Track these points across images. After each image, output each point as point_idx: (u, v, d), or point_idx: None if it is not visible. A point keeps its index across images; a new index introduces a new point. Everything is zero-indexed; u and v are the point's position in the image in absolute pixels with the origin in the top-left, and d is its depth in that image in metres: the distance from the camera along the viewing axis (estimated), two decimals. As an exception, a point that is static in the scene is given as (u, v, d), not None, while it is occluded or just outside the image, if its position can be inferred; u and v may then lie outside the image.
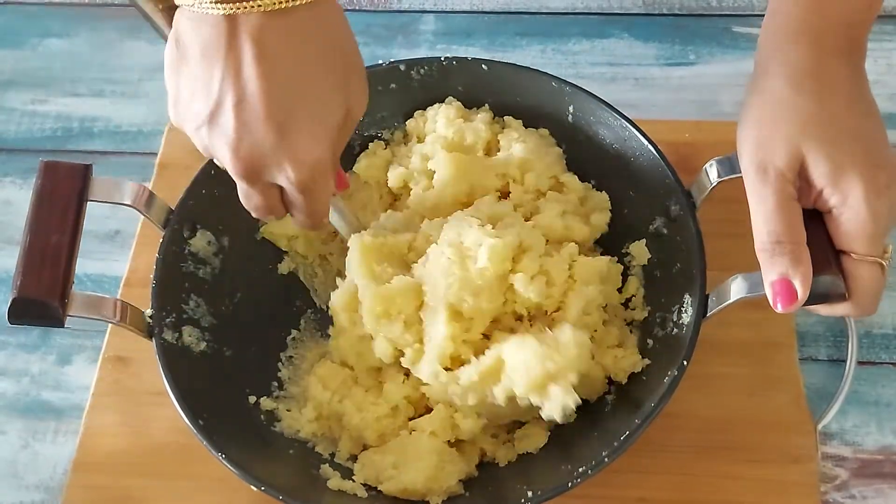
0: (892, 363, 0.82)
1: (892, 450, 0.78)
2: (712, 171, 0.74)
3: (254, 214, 0.69)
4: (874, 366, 0.82)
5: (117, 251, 0.93)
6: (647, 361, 0.75)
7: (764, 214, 0.65)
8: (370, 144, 0.88)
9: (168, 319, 0.76)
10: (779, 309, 0.65)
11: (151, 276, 0.76)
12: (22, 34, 1.09)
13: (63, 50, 1.08)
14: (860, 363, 0.81)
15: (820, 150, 0.65)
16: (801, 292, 0.64)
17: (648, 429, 0.68)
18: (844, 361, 0.80)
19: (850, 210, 0.64)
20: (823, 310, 0.67)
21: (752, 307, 0.80)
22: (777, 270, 0.64)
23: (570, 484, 0.68)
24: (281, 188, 0.67)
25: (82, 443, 0.81)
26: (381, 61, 0.86)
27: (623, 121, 0.80)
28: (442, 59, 0.85)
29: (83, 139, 1.01)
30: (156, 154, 0.96)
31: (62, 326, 0.71)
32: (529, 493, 0.69)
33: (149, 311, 0.75)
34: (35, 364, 0.88)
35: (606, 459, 0.68)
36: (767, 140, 0.66)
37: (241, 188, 0.67)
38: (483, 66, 0.85)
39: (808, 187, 0.66)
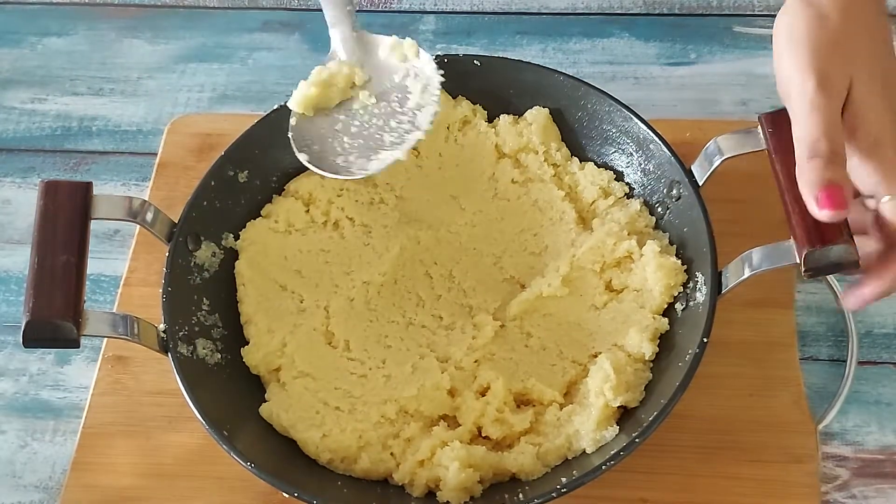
0: (892, 363, 0.82)
1: (893, 449, 0.78)
2: (714, 149, 0.74)
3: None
4: (875, 365, 0.82)
5: (116, 250, 0.92)
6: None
7: (826, 124, 0.63)
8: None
9: (181, 333, 0.75)
10: (821, 213, 0.63)
11: (160, 290, 0.76)
12: (21, 33, 1.09)
13: (62, 49, 1.08)
14: (861, 363, 0.81)
15: (872, 86, 0.65)
16: (847, 205, 0.63)
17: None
18: (845, 361, 0.80)
19: None
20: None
21: (754, 307, 0.81)
22: (831, 177, 0.63)
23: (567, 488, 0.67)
24: None
25: (81, 442, 0.81)
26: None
27: (622, 109, 0.81)
28: (433, 57, 0.85)
29: (82, 138, 1.01)
30: (155, 154, 0.96)
31: (77, 347, 0.70)
32: (521, 496, 0.69)
33: (162, 326, 0.74)
34: (34, 363, 0.87)
35: (622, 453, 0.68)
36: (827, 57, 0.65)
37: None
38: (475, 61, 0.85)
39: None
